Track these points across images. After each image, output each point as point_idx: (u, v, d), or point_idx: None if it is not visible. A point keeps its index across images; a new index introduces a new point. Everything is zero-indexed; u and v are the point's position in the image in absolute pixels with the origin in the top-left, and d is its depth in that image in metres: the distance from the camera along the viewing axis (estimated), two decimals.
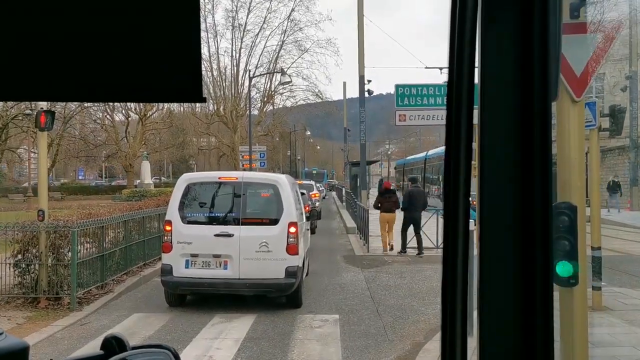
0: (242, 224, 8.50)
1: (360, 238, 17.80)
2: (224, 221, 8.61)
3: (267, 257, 8.39)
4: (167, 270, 8.47)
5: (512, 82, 0.88)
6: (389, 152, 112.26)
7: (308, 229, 10.94)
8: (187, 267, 8.45)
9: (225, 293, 8.57)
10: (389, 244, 14.96)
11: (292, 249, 8.47)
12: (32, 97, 0.79)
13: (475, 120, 0.91)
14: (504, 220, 0.89)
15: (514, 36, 0.89)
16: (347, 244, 17.61)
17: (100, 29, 0.73)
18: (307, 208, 14.60)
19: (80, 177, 74.44)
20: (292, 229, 8.51)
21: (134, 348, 1.31)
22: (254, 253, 8.38)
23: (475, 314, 0.91)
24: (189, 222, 8.61)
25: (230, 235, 8.42)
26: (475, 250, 0.95)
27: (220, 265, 8.45)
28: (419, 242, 14.04)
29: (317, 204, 27.00)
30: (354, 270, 12.79)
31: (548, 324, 0.89)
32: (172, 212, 8.63)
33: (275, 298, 8.74)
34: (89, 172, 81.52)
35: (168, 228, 8.58)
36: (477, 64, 0.89)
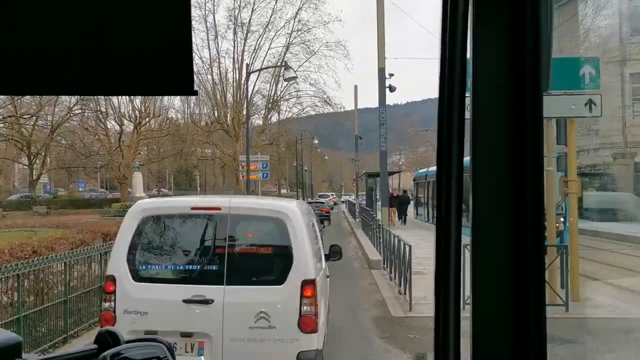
0: (227, 284, 5.39)
1: (393, 279, 12.93)
2: (199, 278, 5.49)
3: (268, 336, 5.27)
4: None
5: (504, 74, 0.89)
6: (400, 163, 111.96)
7: (328, 276, 7.75)
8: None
9: None
10: (391, 222, 24.97)
11: (307, 323, 5.34)
12: (26, 92, 0.81)
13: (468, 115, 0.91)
14: (497, 218, 0.89)
15: (505, 29, 0.89)
16: (374, 290, 12.64)
17: (92, 23, 0.73)
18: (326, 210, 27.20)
19: (80, 189, 69.00)
20: (309, 291, 5.40)
21: (128, 342, 1.38)
22: (246, 330, 5.26)
23: (468, 314, 0.91)
24: (144, 280, 5.48)
25: (208, 302, 5.30)
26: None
27: (192, 349, 5.32)
28: (405, 218, 30.45)
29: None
30: (399, 357, 7.93)
31: (541, 325, 0.89)
32: (118, 262, 5.48)
33: None
34: (91, 184, 76.71)
35: (111, 288, 5.45)
36: (469, 57, 0.89)
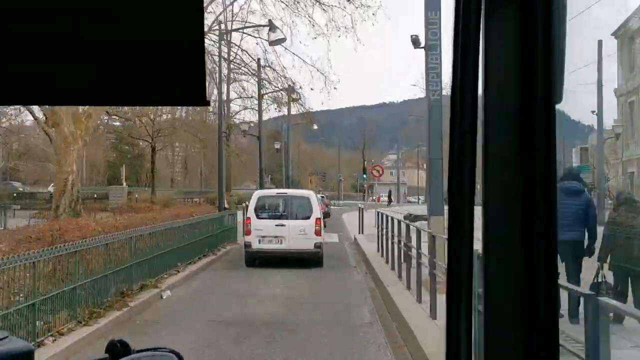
0: (289, 219, 15.98)
1: None
2: (280, 217, 16.09)
3: (304, 237, 15.82)
4: (248, 245, 15.88)
5: (516, 86, 0.92)
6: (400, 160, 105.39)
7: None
8: (259, 243, 15.88)
9: (281, 257, 15.92)
10: None
11: (318, 233, 15.93)
12: (33, 101, 0.83)
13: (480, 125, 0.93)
14: (508, 219, 0.93)
15: (517, 40, 0.92)
16: None
17: (103, 31, 0.75)
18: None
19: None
20: (318, 222, 15.99)
21: (138, 351, 1.38)
22: (297, 235, 15.81)
23: (480, 310, 0.92)
24: (260, 218, 16.08)
25: (284, 225, 15.87)
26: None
27: (279, 242, 15.90)
28: None
29: None
30: None
31: (553, 321, 0.92)
32: (251, 212, 16.09)
33: (308, 261, 16.09)
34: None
35: (248, 221, 16.05)
36: (480, 68, 0.93)
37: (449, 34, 0.93)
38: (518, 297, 0.93)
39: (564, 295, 5.53)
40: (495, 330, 0.94)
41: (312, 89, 40.57)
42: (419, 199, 77.47)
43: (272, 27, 21.66)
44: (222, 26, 27.73)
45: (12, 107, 31.56)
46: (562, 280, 5.36)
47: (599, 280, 7.89)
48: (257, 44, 34.29)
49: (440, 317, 8.26)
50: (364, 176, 47.94)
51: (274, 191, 18.54)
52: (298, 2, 24.79)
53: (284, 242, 15.88)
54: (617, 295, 7.44)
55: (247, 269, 15.68)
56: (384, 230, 16.06)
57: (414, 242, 11.47)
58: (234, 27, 30.13)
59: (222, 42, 25.55)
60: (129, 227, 11.77)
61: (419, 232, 11.34)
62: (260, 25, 27.84)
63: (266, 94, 34.65)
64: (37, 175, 53.99)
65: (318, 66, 29.94)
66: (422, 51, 13.34)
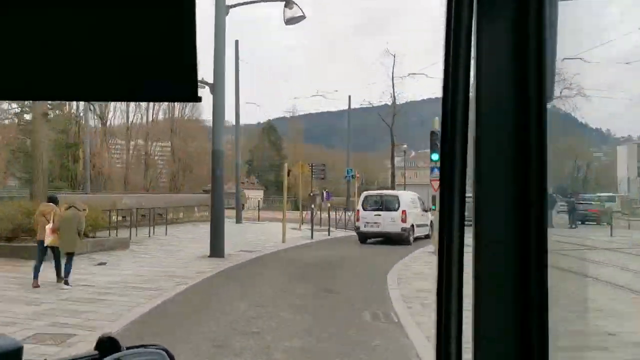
0: (383, 210, 24.45)
1: None
2: (378, 209, 24.48)
3: (394, 223, 24.08)
4: (358, 228, 24.38)
5: (508, 83, 0.92)
6: (410, 156, 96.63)
7: (421, 214, 26.75)
8: (364, 227, 24.30)
9: (378, 236, 24.20)
10: None
11: (404, 220, 24.30)
12: (27, 97, 0.81)
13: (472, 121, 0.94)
14: (500, 222, 0.93)
15: (508, 40, 0.92)
16: None
17: (95, 27, 0.75)
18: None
19: None
20: (404, 213, 24.45)
21: (128, 348, 1.39)
22: (389, 221, 24.14)
23: (470, 315, 0.94)
24: (365, 210, 24.53)
25: (380, 215, 24.26)
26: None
27: (377, 226, 24.27)
28: None
29: None
30: None
31: (544, 327, 0.91)
32: (360, 206, 24.62)
33: (398, 241, 24.34)
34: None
35: (358, 212, 24.55)
36: (472, 66, 0.93)
37: (441, 34, 0.94)
38: (509, 298, 0.93)
39: None
40: (485, 331, 0.94)
41: None
42: None
43: (287, 2, 18.64)
44: None
45: None
46: None
47: None
48: None
49: None
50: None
51: (375, 192, 27.22)
52: None
53: (380, 226, 24.37)
54: None
55: None
56: None
57: None
58: None
59: None
60: None
61: None
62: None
63: None
64: None
65: None
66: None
